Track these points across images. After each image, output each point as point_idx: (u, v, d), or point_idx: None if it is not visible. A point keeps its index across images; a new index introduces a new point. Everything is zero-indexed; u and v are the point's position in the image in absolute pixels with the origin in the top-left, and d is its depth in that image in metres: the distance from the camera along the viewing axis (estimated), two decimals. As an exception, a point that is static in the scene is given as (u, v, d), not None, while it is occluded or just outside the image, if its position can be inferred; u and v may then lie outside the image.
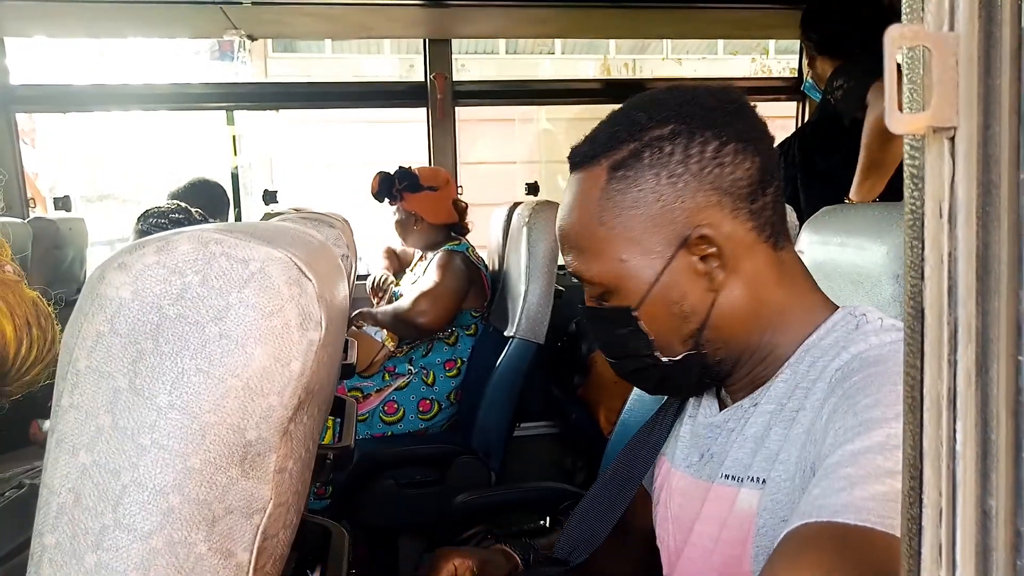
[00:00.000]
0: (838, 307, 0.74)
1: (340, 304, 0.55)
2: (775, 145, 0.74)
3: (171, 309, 0.38)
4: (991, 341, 0.27)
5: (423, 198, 2.20)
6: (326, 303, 0.42)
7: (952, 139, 0.28)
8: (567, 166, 0.76)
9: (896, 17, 0.30)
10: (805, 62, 3.04)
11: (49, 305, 0.71)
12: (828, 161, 1.93)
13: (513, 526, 1.73)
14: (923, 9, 0.29)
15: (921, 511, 0.29)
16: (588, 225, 0.72)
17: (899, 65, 0.30)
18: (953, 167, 0.28)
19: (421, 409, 2.16)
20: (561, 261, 2.13)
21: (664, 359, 0.73)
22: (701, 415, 0.80)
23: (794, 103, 3.00)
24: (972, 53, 0.27)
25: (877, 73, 1.79)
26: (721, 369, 0.74)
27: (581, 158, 0.74)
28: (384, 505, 1.97)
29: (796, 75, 2.99)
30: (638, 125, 0.70)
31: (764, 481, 0.67)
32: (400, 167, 2.23)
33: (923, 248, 0.29)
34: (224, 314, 0.38)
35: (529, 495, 1.71)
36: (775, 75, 5.35)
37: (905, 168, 0.32)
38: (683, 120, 0.69)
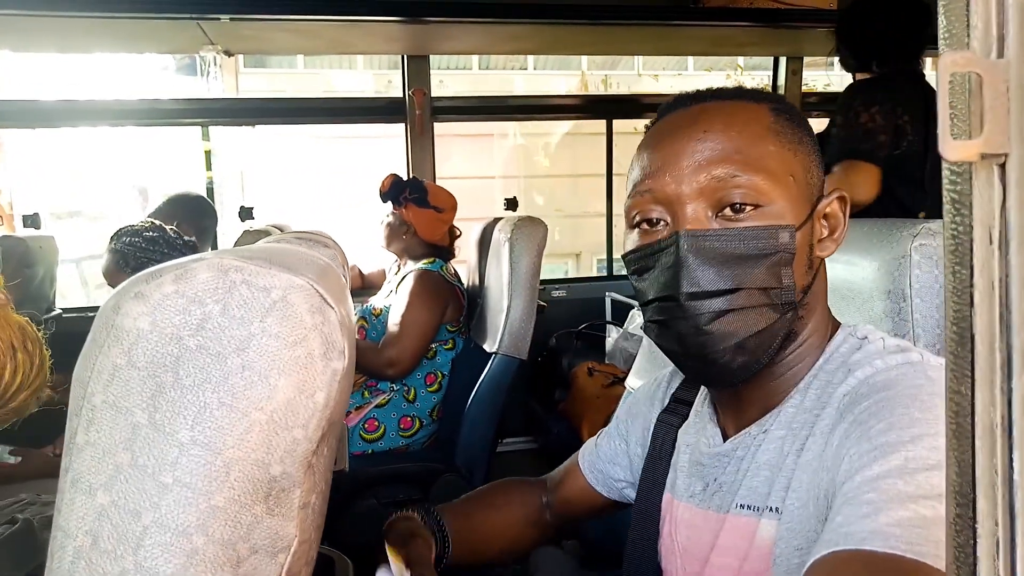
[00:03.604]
0: (839, 324, 0.74)
1: (353, 329, 0.54)
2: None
3: (191, 340, 0.36)
4: (1048, 369, 0.27)
5: (425, 215, 2.21)
6: (347, 330, 0.41)
7: (1002, 165, 0.28)
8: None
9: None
10: (780, 79, 3.10)
11: (40, 330, 0.68)
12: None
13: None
14: (968, 36, 0.29)
15: (975, 540, 0.29)
16: (760, 136, 0.67)
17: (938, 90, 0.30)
18: (1004, 193, 0.28)
19: (402, 426, 2.14)
20: (543, 276, 2.08)
21: (783, 302, 0.66)
22: (703, 444, 0.78)
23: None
24: (1023, 80, 0.27)
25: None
26: (782, 350, 0.69)
27: (728, 95, 0.71)
28: (366, 525, 1.93)
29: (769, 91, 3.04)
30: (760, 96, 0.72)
31: (780, 511, 0.66)
32: (414, 178, 2.24)
33: (971, 274, 0.29)
34: (246, 344, 0.37)
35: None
36: (747, 91, 5.43)
37: (945, 193, 0.31)
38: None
